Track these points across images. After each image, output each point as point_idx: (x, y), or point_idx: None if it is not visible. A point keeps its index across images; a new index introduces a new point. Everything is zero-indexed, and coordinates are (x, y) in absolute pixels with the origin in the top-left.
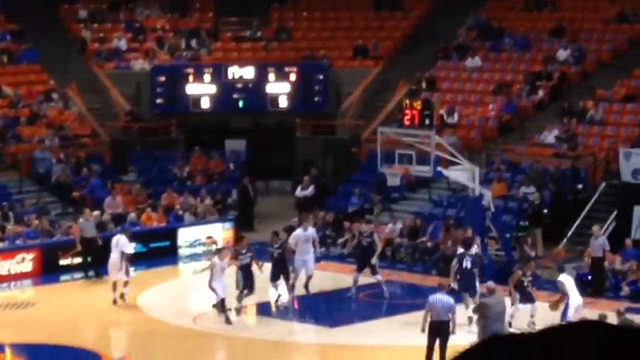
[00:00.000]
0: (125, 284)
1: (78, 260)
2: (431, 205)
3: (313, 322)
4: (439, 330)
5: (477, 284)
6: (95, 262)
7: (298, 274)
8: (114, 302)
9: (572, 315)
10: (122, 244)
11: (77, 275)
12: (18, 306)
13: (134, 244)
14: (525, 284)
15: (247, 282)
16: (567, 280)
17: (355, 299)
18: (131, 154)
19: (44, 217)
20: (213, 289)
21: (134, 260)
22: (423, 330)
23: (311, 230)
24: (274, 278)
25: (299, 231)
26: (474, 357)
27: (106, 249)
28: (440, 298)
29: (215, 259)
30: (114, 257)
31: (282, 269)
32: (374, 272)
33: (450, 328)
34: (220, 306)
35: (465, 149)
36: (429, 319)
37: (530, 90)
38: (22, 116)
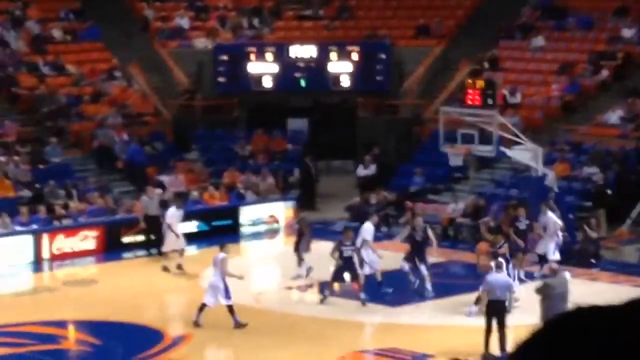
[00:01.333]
0: (162, 254)
1: (141, 238)
2: (493, 185)
3: (374, 301)
4: (497, 309)
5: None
6: (158, 240)
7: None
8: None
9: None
10: (167, 213)
11: (140, 252)
12: (81, 283)
13: (186, 221)
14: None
15: (340, 274)
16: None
17: (416, 279)
18: (193, 132)
19: (106, 194)
20: (225, 285)
21: (196, 238)
22: (481, 307)
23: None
24: (338, 278)
25: (371, 226)
26: (546, 338)
27: None
28: (498, 277)
29: (221, 254)
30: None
31: (350, 268)
32: (421, 262)
33: (507, 307)
34: (230, 311)
35: (528, 129)
36: (486, 299)
37: (594, 70)
38: (85, 94)
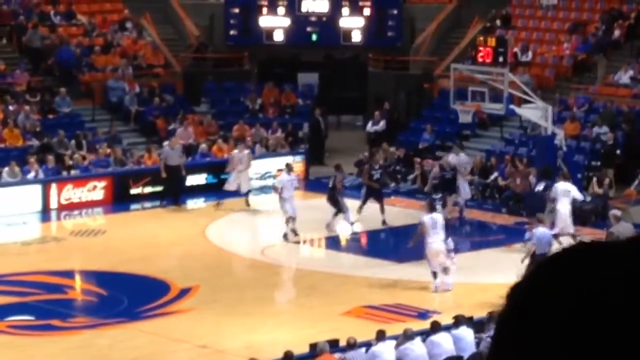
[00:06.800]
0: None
1: (149, 189)
2: (503, 144)
3: (381, 257)
4: None
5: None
6: (175, 191)
7: None
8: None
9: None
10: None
11: (148, 204)
12: (89, 233)
13: (194, 174)
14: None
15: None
16: (428, 220)
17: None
18: (204, 85)
19: (116, 145)
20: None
21: (205, 191)
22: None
23: None
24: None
25: None
26: (558, 265)
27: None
28: (543, 232)
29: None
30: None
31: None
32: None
33: None
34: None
35: (538, 88)
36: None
37: (606, 30)
38: (96, 45)
